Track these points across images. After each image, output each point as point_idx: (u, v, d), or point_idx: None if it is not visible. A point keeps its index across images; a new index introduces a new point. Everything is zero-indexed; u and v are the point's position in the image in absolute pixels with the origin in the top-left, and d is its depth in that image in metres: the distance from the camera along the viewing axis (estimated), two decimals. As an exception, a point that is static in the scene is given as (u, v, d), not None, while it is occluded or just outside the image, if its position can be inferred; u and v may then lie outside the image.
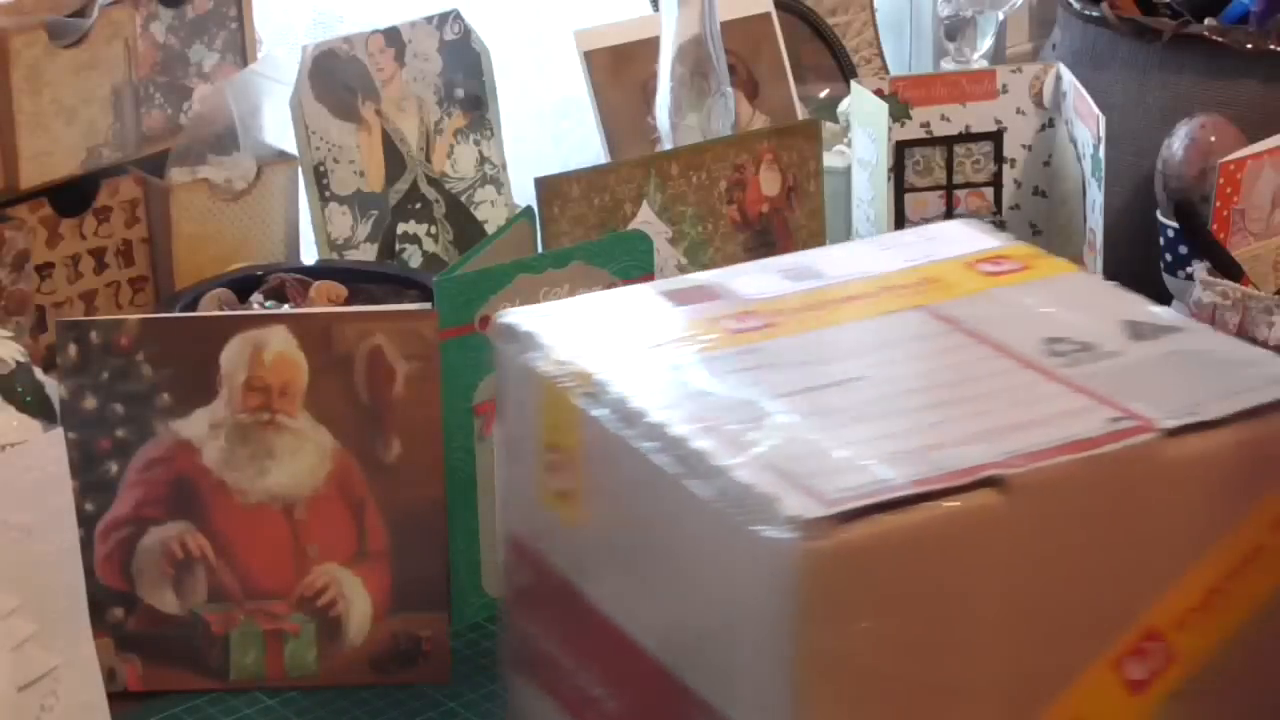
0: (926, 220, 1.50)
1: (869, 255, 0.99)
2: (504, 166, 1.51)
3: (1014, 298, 0.93)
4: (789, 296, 0.94)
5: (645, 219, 1.32)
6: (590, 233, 1.29)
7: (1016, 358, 0.87)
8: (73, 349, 1.09)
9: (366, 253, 1.43)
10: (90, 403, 1.09)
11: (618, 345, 0.90)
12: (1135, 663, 0.82)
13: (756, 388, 0.85)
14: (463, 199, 1.49)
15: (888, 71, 1.85)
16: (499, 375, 0.94)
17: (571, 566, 0.90)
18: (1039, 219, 1.51)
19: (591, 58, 1.54)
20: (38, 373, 1.11)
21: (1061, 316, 0.91)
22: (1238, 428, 0.82)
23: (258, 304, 1.32)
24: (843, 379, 0.86)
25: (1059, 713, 0.81)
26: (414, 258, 1.45)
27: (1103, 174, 1.41)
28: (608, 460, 0.86)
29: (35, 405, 1.09)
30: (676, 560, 0.82)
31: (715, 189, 1.36)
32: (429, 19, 1.46)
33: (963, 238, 1.00)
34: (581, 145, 1.70)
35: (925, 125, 1.48)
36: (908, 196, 1.49)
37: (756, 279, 0.96)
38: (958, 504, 0.77)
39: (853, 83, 1.53)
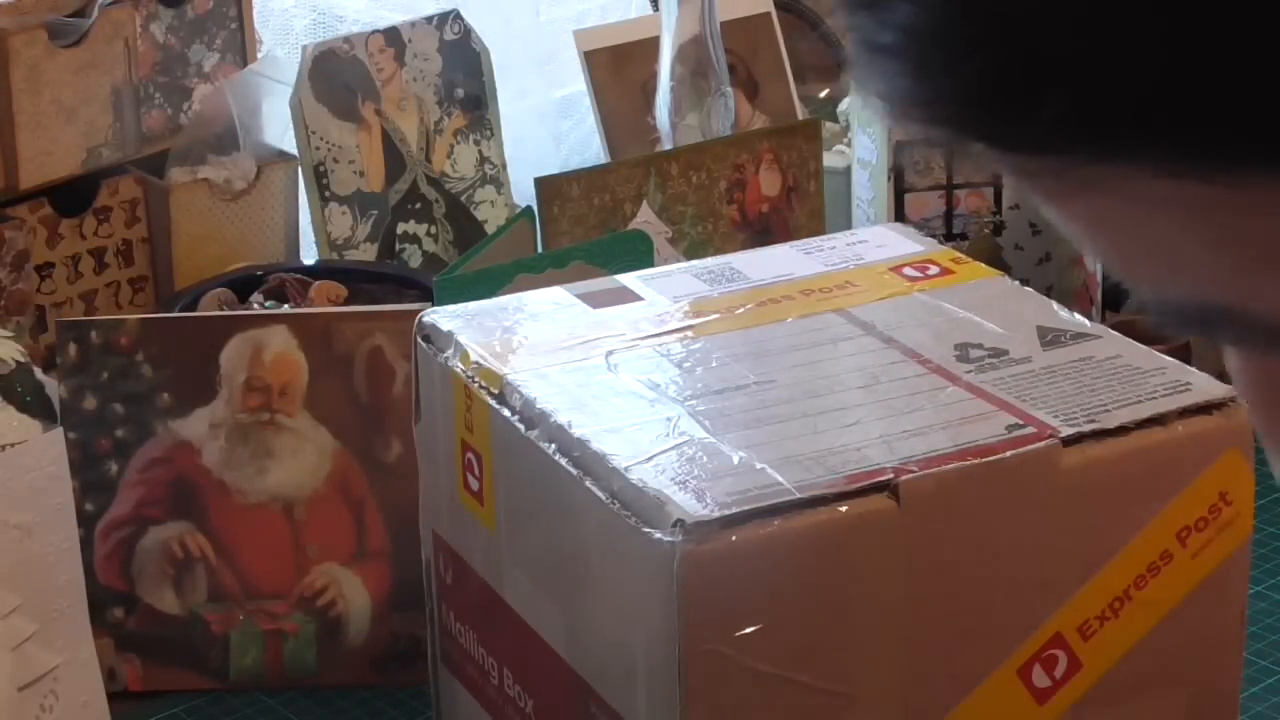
0: (927, 220, 1.50)
1: (792, 258, 0.99)
2: (504, 166, 1.51)
3: (933, 303, 0.93)
4: (708, 299, 0.94)
5: (645, 219, 1.32)
6: (590, 233, 1.29)
7: (926, 363, 0.87)
8: (73, 349, 1.09)
9: (366, 253, 1.43)
10: (90, 403, 1.09)
11: (532, 346, 0.90)
12: (1041, 670, 0.81)
13: (664, 389, 0.86)
14: (463, 199, 1.49)
15: (888, 71, 1.85)
16: (418, 373, 0.94)
17: (487, 566, 0.90)
18: (1039, 219, 1.51)
19: (591, 58, 1.54)
20: (38, 373, 1.11)
21: (977, 322, 0.91)
22: (1138, 435, 0.82)
23: (258, 304, 1.32)
24: (751, 382, 0.86)
25: None
26: (414, 258, 1.45)
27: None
28: (514, 460, 0.86)
29: (35, 405, 1.09)
30: (576, 562, 0.82)
31: (715, 189, 1.36)
32: (429, 19, 1.46)
33: (889, 242, 1.00)
34: (581, 145, 1.70)
35: (925, 125, 1.48)
36: (908, 197, 1.49)
37: (676, 281, 0.97)
38: (848, 509, 0.77)
39: (853, 83, 1.52)
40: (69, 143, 1.34)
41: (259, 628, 1.11)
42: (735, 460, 0.79)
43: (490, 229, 1.47)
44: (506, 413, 0.86)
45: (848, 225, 1.53)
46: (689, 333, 0.91)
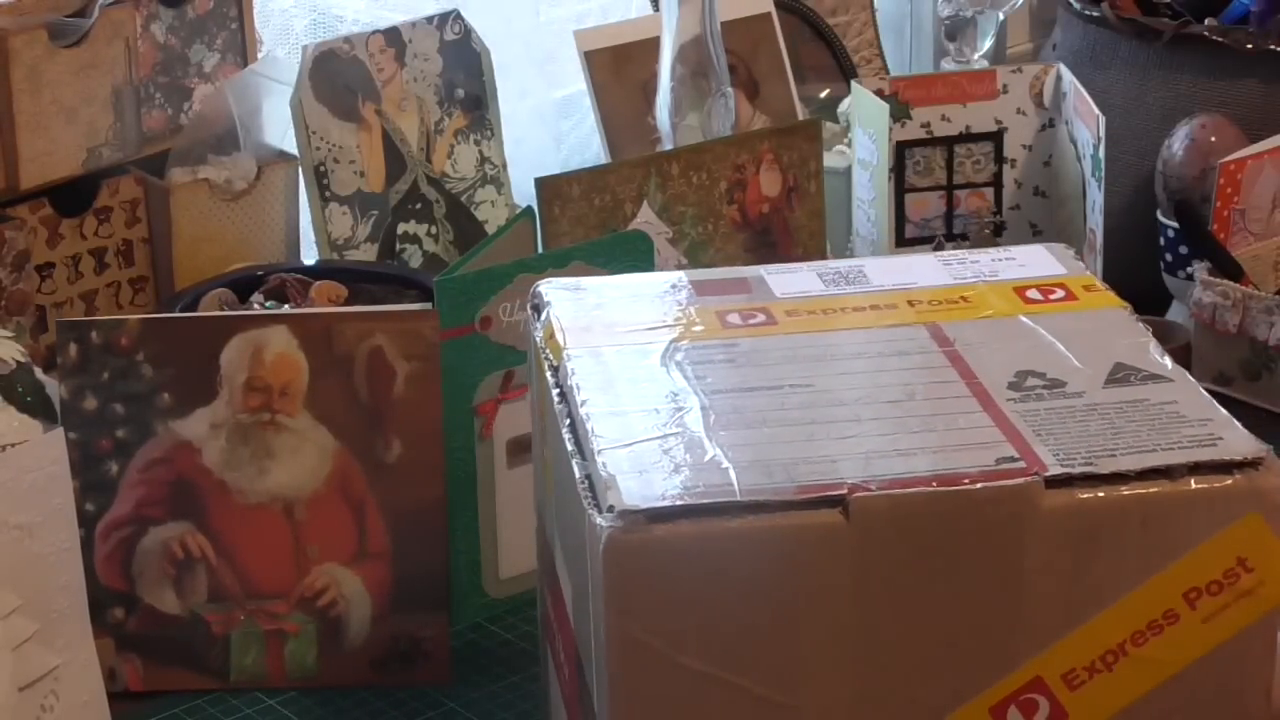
0: (927, 220, 1.50)
1: (926, 268, 0.98)
2: (504, 166, 1.51)
3: (1031, 327, 0.91)
4: (814, 299, 0.94)
5: (645, 219, 1.32)
6: (590, 233, 1.29)
7: (972, 385, 0.86)
8: (73, 349, 1.09)
9: (367, 253, 1.43)
10: (90, 403, 1.09)
11: (610, 325, 0.91)
12: (1017, 712, 0.80)
13: (697, 381, 0.86)
14: (463, 199, 1.49)
15: (888, 71, 1.85)
16: (530, 341, 0.95)
17: (553, 537, 0.92)
18: (1039, 219, 1.51)
19: (591, 58, 1.54)
20: (38, 373, 1.11)
21: (1059, 352, 0.89)
22: (1136, 485, 0.79)
23: (258, 304, 1.32)
24: (784, 384, 0.86)
25: None
26: (414, 258, 1.45)
27: (1103, 174, 1.41)
28: (553, 434, 0.87)
29: (35, 405, 1.09)
30: (574, 538, 0.83)
31: (715, 189, 1.36)
32: (429, 19, 1.47)
33: (1034, 262, 0.98)
34: (582, 145, 1.70)
35: (926, 125, 1.48)
36: (908, 197, 1.49)
37: (795, 278, 0.96)
38: (793, 519, 0.77)
39: (853, 83, 1.53)
40: (69, 143, 1.34)
41: (259, 628, 1.11)
42: (707, 457, 0.79)
43: (490, 229, 1.47)
44: (553, 384, 0.87)
45: (848, 225, 1.53)
46: (768, 330, 0.91)
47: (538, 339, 0.91)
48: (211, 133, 1.41)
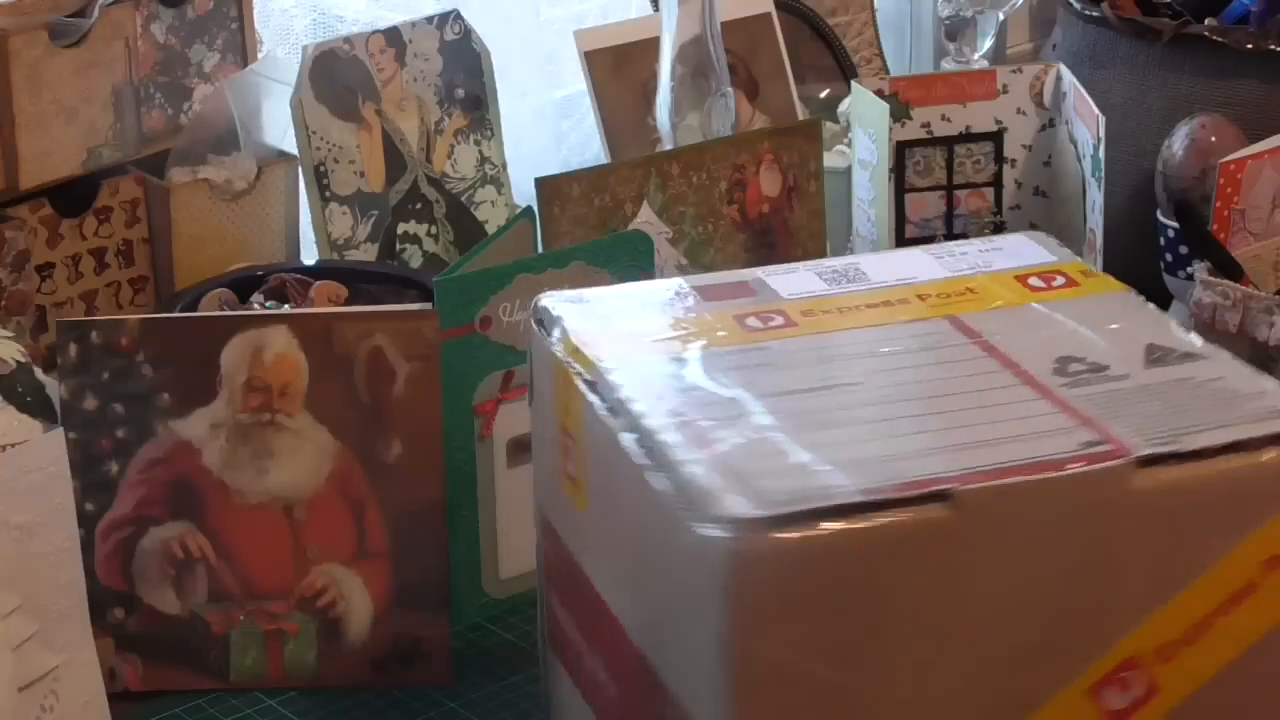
0: (927, 220, 1.50)
1: (920, 262, 0.98)
2: (504, 166, 1.51)
3: (1047, 314, 0.92)
4: (823, 298, 0.94)
5: (645, 219, 1.32)
6: (591, 233, 1.29)
7: (1021, 374, 0.86)
8: (73, 349, 1.09)
9: (367, 253, 1.43)
10: (90, 403, 1.09)
11: (633, 335, 0.91)
12: (1114, 692, 0.81)
13: (747, 386, 0.86)
14: (463, 199, 1.49)
15: (888, 71, 1.85)
16: (533, 356, 0.94)
17: (580, 549, 0.91)
18: (1039, 219, 1.51)
19: (591, 58, 1.54)
20: (38, 373, 1.11)
21: (1086, 336, 0.90)
22: (1220, 460, 0.80)
23: (258, 304, 1.32)
24: (836, 383, 0.86)
25: None
26: (414, 258, 1.45)
27: (1103, 174, 1.41)
28: (600, 447, 0.86)
29: (35, 405, 1.09)
30: (645, 551, 0.83)
31: (715, 189, 1.36)
32: (429, 19, 1.47)
33: (1024, 251, 0.99)
34: (582, 145, 1.70)
35: (926, 125, 1.48)
36: (908, 197, 1.49)
37: (796, 279, 0.97)
38: (902, 515, 0.77)
39: (853, 83, 1.53)
40: (69, 143, 1.34)
41: (259, 628, 1.11)
42: (796, 460, 0.79)
43: (490, 229, 1.47)
44: (595, 399, 0.86)
45: (848, 226, 1.53)
46: (791, 331, 0.91)
47: (557, 353, 0.90)
48: (211, 133, 1.41)
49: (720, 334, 0.91)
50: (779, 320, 0.92)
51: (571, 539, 0.92)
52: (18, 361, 1.10)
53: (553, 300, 0.94)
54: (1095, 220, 1.43)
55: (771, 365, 0.88)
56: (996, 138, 1.50)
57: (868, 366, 0.88)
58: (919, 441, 0.81)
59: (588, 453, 0.88)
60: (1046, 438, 0.81)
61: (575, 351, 0.89)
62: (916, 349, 0.90)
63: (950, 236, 1.49)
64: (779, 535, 0.75)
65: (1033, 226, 1.50)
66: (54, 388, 1.10)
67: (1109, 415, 0.82)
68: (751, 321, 0.92)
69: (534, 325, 0.94)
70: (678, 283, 0.97)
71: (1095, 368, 0.87)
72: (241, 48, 1.43)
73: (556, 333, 0.91)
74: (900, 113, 1.47)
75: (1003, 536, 0.78)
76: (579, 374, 0.88)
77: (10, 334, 1.13)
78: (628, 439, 0.83)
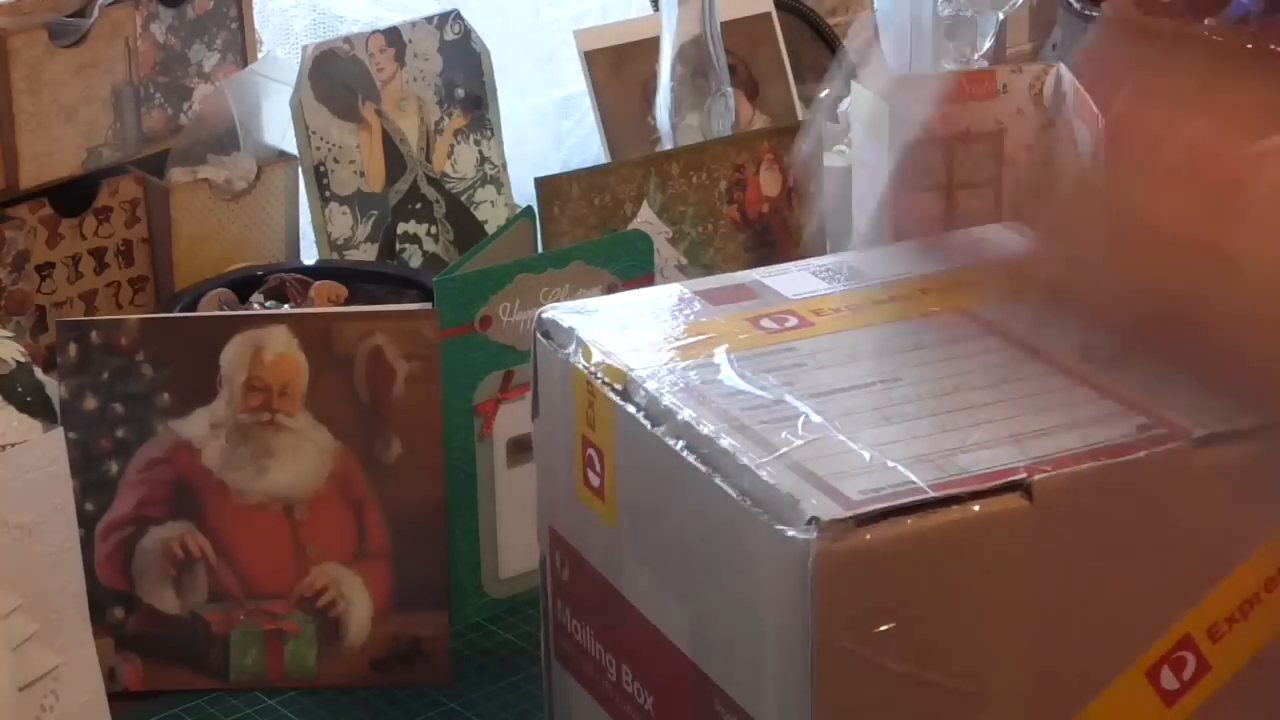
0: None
1: (907, 258, 0.98)
2: (504, 166, 1.51)
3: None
4: (827, 296, 0.94)
5: (645, 219, 1.32)
6: (590, 233, 1.29)
7: (1050, 362, 0.87)
8: (73, 349, 1.09)
9: (367, 253, 1.43)
10: (90, 403, 1.09)
11: (653, 343, 0.90)
12: (1169, 672, 0.81)
13: (788, 387, 0.85)
14: (463, 199, 1.49)
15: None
16: (538, 369, 0.94)
17: (606, 562, 0.90)
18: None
19: (591, 58, 1.54)
20: (38, 373, 1.11)
21: None
22: (1270, 437, 0.81)
23: (258, 304, 1.32)
24: (875, 380, 0.86)
25: None
26: (414, 258, 1.45)
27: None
28: (638, 457, 0.86)
29: (35, 405, 1.09)
30: (704, 559, 0.82)
31: (715, 189, 1.36)
32: (429, 19, 1.47)
33: (1002, 240, 0.99)
34: (581, 145, 1.70)
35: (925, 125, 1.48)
36: (908, 196, 1.49)
37: (794, 279, 0.96)
38: (982, 508, 0.77)
39: (853, 83, 1.52)
40: (69, 143, 1.34)
41: (259, 628, 1.11)
42: (867, 458, 0.79)
43: (490, 229, 1.47)
44: (631, 409, 0.86)
45: (848, 226, 1.53)
46: (809, 330, 0.91)
47: (578, 365, 0.90)
48: (211, 133, 1.41)
49: (741, 337, 0.90)
50: (793, 321, 0.92)
51: (595, 554, 0.91)
52: (18, 361, 1.10)
53: (558, 312, 0.93)
54: (1095, 220, 1.42)
55: (804, 365, 0.88)
56: (996, 138, 1.50)
57: (900, 362, 0.88)
58: (977, 434, 0.81)
59: (622, 464, 0.87)
60: (1101, 424, 0.81)
61: (600, 363, 0.89)
62: (940, 342, 0.90)
63: (950, 236, 1.49)
64: (866, 534, 0.76)
65: (1033, 226, 1.50)
66: (54, 387, 1.10)
67: (1152, 398, 0.83)
68: (766, 323, 0.92)
69: (540, 338, 0.93)
70: (678, 289, 0.96)
71: (1119, 352, 0.87)
72: (241, 48, 1.43)
73: (572, 345, 0.91)
74: (900, 113, 1.47)
75: (1073, 523, 0.79)
76: (607, 384, 0.88)
77: (10, 334, 1.13)
78: (680, 446, 0.82)
